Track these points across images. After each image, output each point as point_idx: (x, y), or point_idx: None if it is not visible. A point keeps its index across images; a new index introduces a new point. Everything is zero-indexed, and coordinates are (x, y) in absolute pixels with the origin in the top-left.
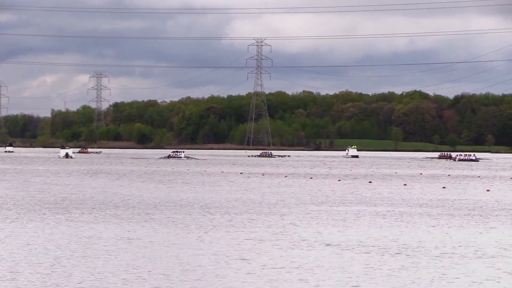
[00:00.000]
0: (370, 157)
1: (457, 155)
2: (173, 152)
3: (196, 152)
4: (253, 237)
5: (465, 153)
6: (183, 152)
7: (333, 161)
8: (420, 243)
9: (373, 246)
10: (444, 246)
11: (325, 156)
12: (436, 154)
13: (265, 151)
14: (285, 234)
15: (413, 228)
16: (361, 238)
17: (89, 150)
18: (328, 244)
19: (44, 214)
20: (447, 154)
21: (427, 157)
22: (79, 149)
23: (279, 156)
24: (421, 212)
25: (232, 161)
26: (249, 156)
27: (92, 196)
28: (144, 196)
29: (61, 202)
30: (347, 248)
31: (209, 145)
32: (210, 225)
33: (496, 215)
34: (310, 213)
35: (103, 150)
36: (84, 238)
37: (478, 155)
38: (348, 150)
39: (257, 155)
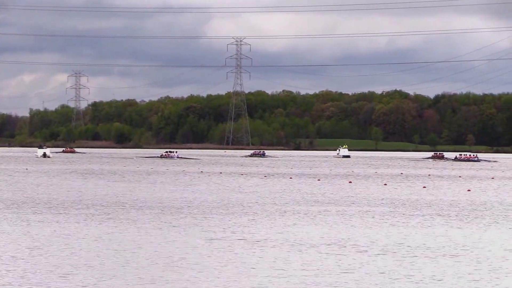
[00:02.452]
0: (362, 157)
1: (458, 155)
2: (166, 152)
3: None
4: (206, 236)
5: (466, 153)
6: (176, 152)
7: (324, 161)
8: (374, 241)
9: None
10: (400, 245)
11: (316, 156)
12: (429, 154)
13: (257, 150)
14: (237, 233)
15: (375, 227)
16: (320, 237)
17: (76, 150)
18: (282, 243)
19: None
20: (439, 154)
21: (421, 158)
22: (63, 148)
23: (271, 156)
24: (389, 211)
25: (222, 161)
26: (241, 156)
27: (55, 195)
28: (107, 195)
29: (22, 201)
30: (298, 247)
31: (188, 145)
32: (164, 225)
33: (468, 215)
34: (271, 213)
35: (83, 150)
36: (25, 236)
37: (481, 155)
38: (339, 150)
39: (249, 155)
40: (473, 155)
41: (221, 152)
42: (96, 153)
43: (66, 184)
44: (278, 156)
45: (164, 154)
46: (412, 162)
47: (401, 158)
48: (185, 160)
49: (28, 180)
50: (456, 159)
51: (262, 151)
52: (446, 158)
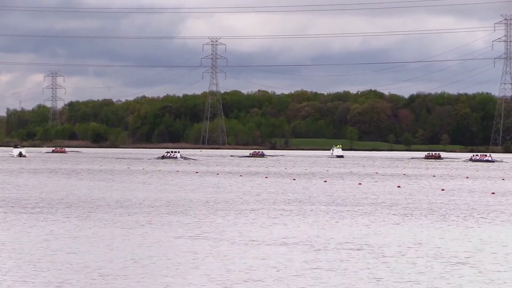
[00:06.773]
0: (356, 157)
1: (473, 156)
2: (167, 152)
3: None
4: (170, 235)
5: (480, 153)
6: (179, 152)
7: (319, 161)
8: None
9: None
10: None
11: (309, 156)
12: (422, 154)
13: (256, 151)
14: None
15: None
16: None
17: (66, 149)
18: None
19: None
20: (435, 154)
21: (413, 157)
22: (53, 148)
23: (271, 156)
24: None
25: (221, 162)
26: (239, 156)
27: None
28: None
29: None
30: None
31: (164, 144)
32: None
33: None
34: (236, 212)
35: (74, 150)
36: None
37: (495, 155)
38: (333, 150)
39: (248, 155)
40: (488, 155)
41: (224, 152)
42: (89, 153)
43: (35, 183)
44: (275, 157)
45: (165, 154)
46: (416, 162)
47: (391, 158)
48: (192, 161)
49: None
50: (471, 159)
51: (261, 151)
52: (442, 158)
